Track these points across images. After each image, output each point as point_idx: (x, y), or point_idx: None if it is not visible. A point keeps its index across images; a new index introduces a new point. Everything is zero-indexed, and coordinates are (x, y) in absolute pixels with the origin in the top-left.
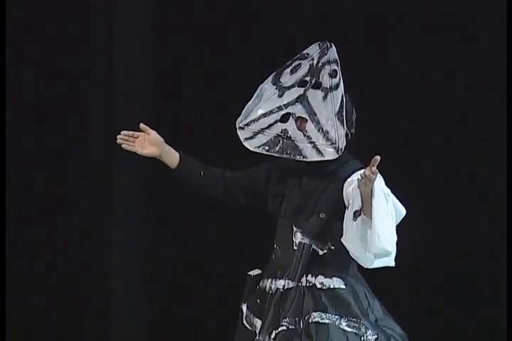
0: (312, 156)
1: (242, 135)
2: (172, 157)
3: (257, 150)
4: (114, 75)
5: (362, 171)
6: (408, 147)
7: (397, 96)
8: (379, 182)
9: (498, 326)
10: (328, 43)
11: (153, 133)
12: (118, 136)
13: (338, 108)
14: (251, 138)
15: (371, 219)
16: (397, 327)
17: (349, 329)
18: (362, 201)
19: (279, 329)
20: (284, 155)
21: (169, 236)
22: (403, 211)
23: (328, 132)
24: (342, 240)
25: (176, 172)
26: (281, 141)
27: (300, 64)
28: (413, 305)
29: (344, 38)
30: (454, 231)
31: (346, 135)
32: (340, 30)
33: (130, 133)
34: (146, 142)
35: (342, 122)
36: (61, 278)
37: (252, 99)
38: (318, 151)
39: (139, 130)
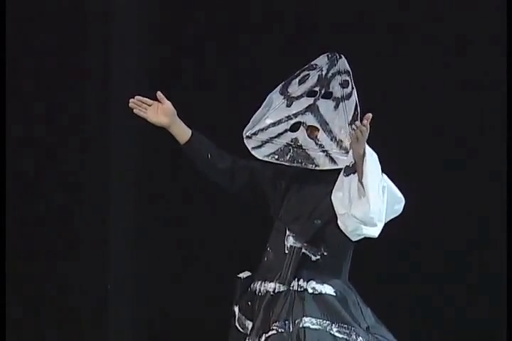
0: (325, 164)
1: (249, 144)
2: (182, 131)
3: (266, 159)
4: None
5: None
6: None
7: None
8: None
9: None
10: (337, 55)
11: (168, 103)
12: (131, 100)
13: (351, 117)
14: (259, 147)
15: (363, 187)
16: (390, 334)
17: (340, 335)
18: (355, 161)
19: (269, 333)
20: (294, 164)
21: (169, 236)
22: (399, 195)
23: (341, 141)
24: (332, 196)
25: (184, 149)
26: (291, 150)
27: (308, 74)
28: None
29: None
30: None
31: None
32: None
33: (144, 99)
34: (159, 111)
35: None
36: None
37: (261, 108)
38: (332, 159)
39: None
